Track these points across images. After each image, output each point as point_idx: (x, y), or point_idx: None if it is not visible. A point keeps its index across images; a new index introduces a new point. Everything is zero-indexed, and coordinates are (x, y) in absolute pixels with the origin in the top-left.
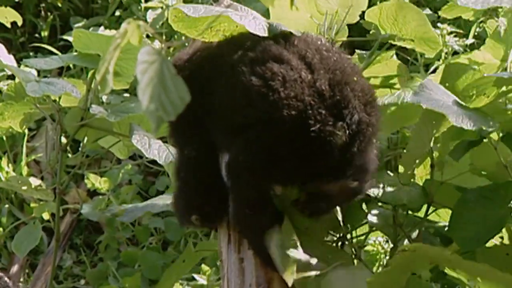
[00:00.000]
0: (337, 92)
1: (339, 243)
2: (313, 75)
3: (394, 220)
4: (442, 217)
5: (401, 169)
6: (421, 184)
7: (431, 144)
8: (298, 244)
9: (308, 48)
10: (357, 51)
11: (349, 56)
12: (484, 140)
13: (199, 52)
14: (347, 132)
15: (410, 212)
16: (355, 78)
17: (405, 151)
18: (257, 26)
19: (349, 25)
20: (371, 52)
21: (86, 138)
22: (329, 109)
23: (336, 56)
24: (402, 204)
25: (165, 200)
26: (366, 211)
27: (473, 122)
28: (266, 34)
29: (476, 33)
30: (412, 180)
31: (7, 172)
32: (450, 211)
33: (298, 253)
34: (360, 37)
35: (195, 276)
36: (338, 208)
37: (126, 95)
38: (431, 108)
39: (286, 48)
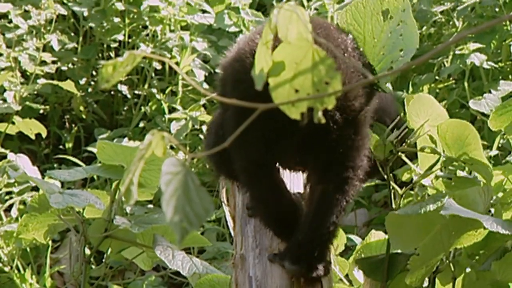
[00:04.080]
0: None
1: None
2: None
3: None
4: None
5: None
6: None
7: (451, 256)
8: None
9: None
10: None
11: None
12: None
13: None
14: None
15: None
16: None
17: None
18: None
19: None
20: (431, 166)
21: (110, 249)
22: None
23: None
24: None
25: None
26: None
27: (506, 229)
28: None
29: (500, 145)
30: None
31: (30, 284)
32: None
33: None
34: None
35: None
36: None
37: (150, 206)
38: (466, 216)
39: None
